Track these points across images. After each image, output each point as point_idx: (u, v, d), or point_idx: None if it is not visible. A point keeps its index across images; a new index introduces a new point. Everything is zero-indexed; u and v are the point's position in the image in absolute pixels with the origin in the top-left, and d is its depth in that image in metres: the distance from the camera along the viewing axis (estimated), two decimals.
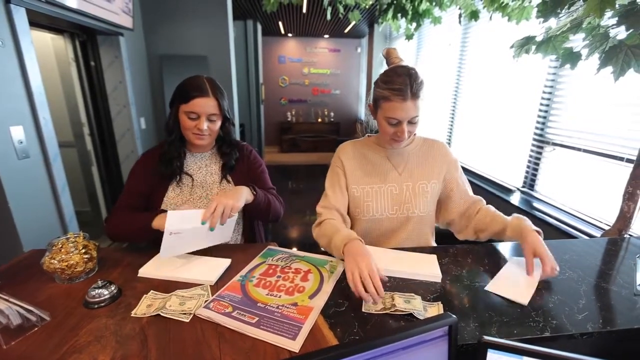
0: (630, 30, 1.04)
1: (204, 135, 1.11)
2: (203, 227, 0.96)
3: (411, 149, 1.18)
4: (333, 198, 1.15)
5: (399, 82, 0.99)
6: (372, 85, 1.10)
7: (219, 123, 1.14)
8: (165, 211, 0.99)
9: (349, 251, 0.90)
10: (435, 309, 0.80)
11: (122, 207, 1.15)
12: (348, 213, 1.19)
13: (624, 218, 1.42)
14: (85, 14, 2.11)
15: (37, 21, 2.06)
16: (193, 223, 0.95)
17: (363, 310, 0.80)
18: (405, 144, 1.16)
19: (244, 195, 1.05)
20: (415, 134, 1.18)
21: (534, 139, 2.26)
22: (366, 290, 0.78)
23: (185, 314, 0.76)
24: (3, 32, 1.60)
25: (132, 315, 0.77)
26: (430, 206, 1.16)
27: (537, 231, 0.99)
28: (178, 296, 0.83)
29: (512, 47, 1.40)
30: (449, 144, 3.47)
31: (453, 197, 1.18)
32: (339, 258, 1.00)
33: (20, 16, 1.66)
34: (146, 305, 0.80)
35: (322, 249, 1.10)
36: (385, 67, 1.14)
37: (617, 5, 1.02)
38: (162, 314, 0.76)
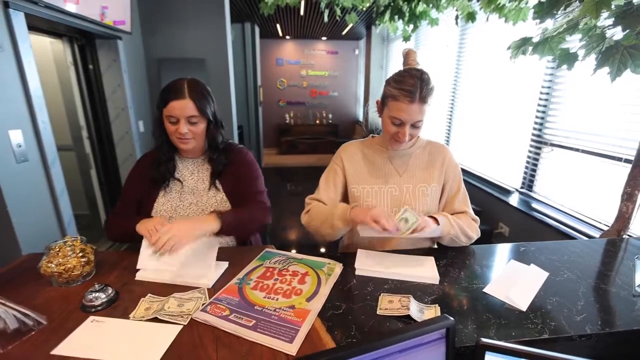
0: (627, 31, 1.04)
1: (186, 139, 1.09)
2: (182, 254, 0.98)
3: (413, 151, 1.18)
4: (324, 193, 1.18)
5: (410, 84, 0.99)
6: (384, 83, 1.10)
7: (202, 125, 1.11)
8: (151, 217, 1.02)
9: (356, 214, 1.00)
10: (432, 311, 0.80)
11: (118, 213, 1.16)
12: None
13: (623, 219, 1.43)
14: (83, 18, 2.11)
15: (36, 25, 2.06)
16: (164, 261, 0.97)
17: (379, 312, 0.80)
18: (408, 145, 1.16)
19: (199, 229, 1.01)
20: (418, 137, 1.18)
21: (532, 140, 2.27)
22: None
23: (182, 316, 0.76)
24: (1, 36, 1.60)
25: (130, 318, 0.77)
26: (429, 208, 1.15)
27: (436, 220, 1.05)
28: (176, 298, 0.83)
29: (509, 48, 1.40)
30: (447, 144, 3.47)
31: (455, 205, 1.17)
32: (343, 225, 1.05)
33: (19, 20, 1.66)
34: (144, 309, 0.80)
35: (312, 231, 1.14)
36: (391, 68, 1.14)
37: (613, 6, 1.02)
38: (159, 317, 0.76)
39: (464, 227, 1.09)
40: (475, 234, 1.13)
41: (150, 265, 0.96)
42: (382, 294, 0.87)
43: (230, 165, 1.21)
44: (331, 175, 1.20)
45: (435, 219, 1.04)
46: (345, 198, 1.21)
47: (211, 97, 1.13)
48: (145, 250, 0.99)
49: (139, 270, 0.96)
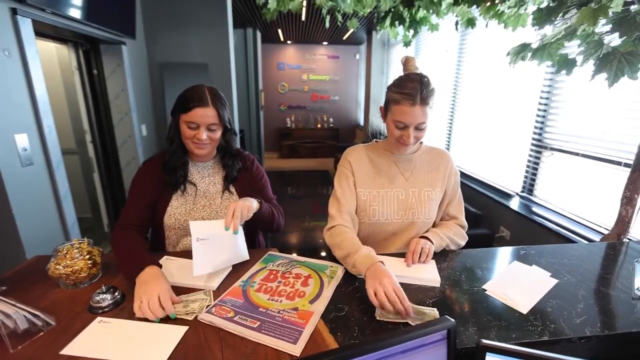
0: (624, 38, 1.06)
1: (204, 145, 1.12)
2: (227, 235, 0.97)
3: (418, 156, 1.20)
4: (344, 200, 1.14)
5: (410, 87, 1.01)
6: (385, 89, 1.12)
7: (219, 132, 1.14)
8: (160, 265, 0.94)
9: (372, 273, 0.86)
10: (432, 314, 0.81)
11: (128, 222, 1.10)
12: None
13: (623, 222, 1.43)
14: (89, 24, 2.14)
15: (43, 31, 2.09)
16: (216, 230, 0.97)
17: (378, 318, 0.80)
18: (413, 150, 1.18)
19: (253, 202, 1.10)
20: (422, 142, 1.20)
21: (532, 144, 2.28)
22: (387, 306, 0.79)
23: (188, 314, 0.78)
24: (9, 42, 1.63)
25: (137, 316, 0.78)
26: (433, 212, 1.18)
27: (430, 240, 1.09)
28: (182, 299, 0.85)
29: (508, 54, 1.42)
30: (447, 149, 3.49)
31: (449, 209, 1.22)
32: (354, 273, 0.98)
33: (26, 27, 1.69)
34: None
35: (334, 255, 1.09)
36: (392, 73, 1.16)
37: (610, 13, 1.04)
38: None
39: (453, 237, 1.17)
40: (463, 241, 1.21)
41: (205, 268, 0.94)
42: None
43: (242, 171, 1.25)
44: (344, 180, 1.17)
45: (427, 238, 1.10)
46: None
47: (227, 105, 1.15)
48: (199, 256, 0.93)
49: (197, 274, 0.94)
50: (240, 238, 1.04)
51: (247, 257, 1.06)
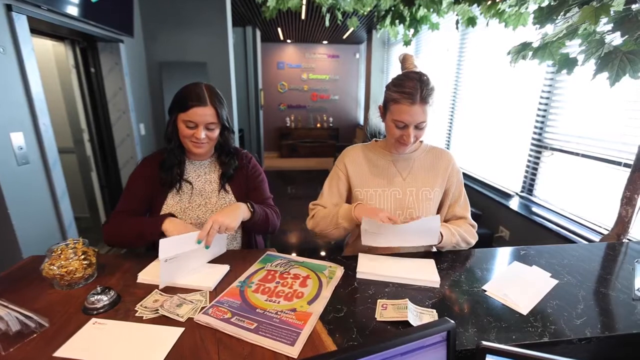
0: (625, 37, 1.05)
1: (202, 144, 1.11)
2: (198, 248, 0.97)
3: (417, 156, 1.18)
4: (328, 199, 1.19)
5: (410, 86, 1.00)
6: (384, 88, 1.11)
7: (217, 131, 1.13)
8: (174, 215, 1.03)
9: (360, 210, 1.05)
10: (429, 317, 0.80)
11: (122, 211, 1.13)
12: None
13: (622, 223, 1.43)
14: (86, 21, 2.13)
15: (39, 28, 2.07)
16: (188, 246, 0.95)
17: (378, 319, 0.80)
18: (412, 149, 1.17)
19: (240, 214, 1.06)
20: (422, 141, 1.19)
21: (532, 144, 2.28)
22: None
23: (182, 317, 0.78)
24: (4, 39, 1.61)
25: (136, 307, 0.80)
26: (432, 212, 1.17)
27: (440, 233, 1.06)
28: (179, 298, 0.84)
29: (509, 53, 1.41)
30: (447, 148, 3.48)
31: (456, 210, 1.20)
32: (348, 224, 1.09)
33: (21, 24, 1.68)
34: (153, 300, 0.83)
35: (318, 234, 1.16)
36: (392, 72, 1.15)
37: (611, 12, 1.03)
38: (161, 311, 0.78)
39: (464, 234, 1.13)
40: (474, 239, 1.17)
41: (173, 278, 0.93)
42: (378, 301, 0.86)
43: (238, 169, 1.24)
44: (334, 181, 1.20)
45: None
46: (349, 203, 1.21)
47: (225, 103, 1.15)
48: (166, 272, 0.91)
49: (142, 271, 0.96)
50: (214, 243, 1.02)
51: (224, 251, 1.10)
